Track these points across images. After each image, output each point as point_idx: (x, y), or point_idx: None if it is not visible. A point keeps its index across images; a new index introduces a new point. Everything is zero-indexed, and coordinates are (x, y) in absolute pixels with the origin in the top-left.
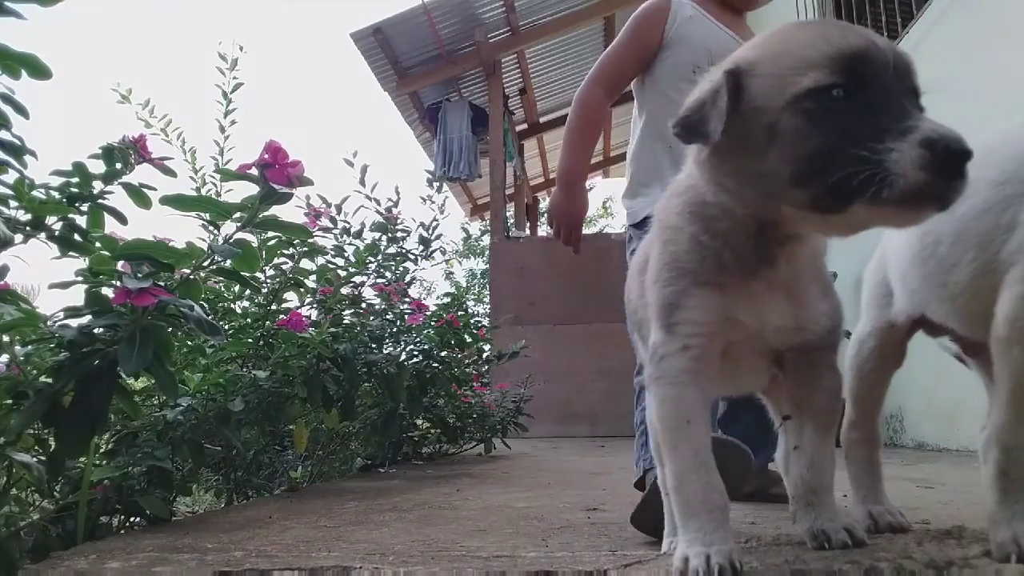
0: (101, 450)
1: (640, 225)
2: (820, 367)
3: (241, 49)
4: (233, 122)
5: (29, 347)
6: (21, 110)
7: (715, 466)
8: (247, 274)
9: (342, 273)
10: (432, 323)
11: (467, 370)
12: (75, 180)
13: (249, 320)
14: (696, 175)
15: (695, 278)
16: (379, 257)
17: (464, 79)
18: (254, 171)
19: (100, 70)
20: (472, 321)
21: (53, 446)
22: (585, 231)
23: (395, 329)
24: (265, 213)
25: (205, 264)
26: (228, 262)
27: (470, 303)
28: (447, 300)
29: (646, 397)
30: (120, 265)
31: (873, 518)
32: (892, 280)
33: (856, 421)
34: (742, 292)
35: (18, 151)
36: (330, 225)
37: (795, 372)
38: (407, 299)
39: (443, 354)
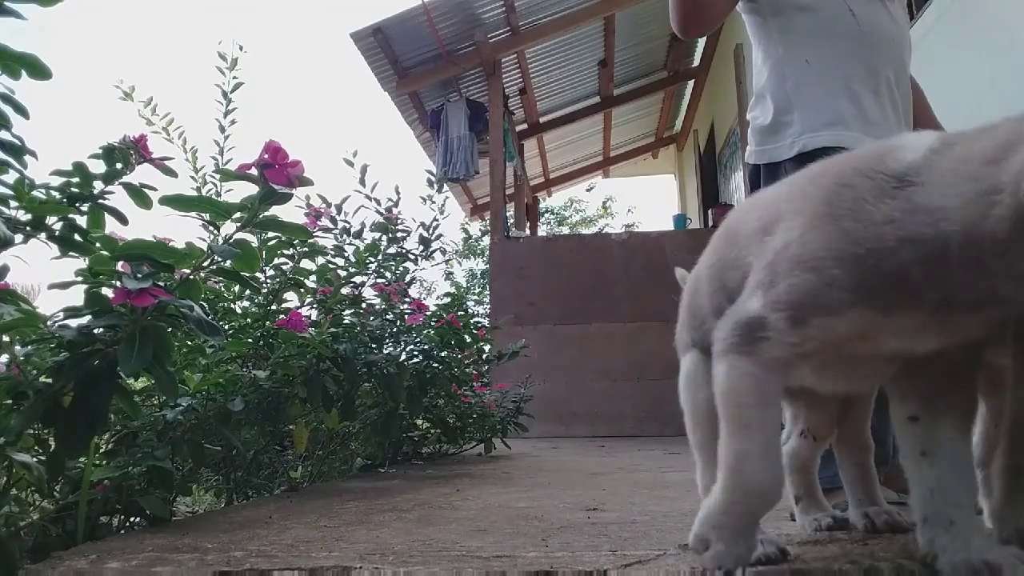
0: (101, 450)
1: (775, 169)
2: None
3: (241, 49)
4: (233, 122)
5: (29, 347)
6: (21, 110)
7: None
8: (247, 274)
9: (342, 273)
10: (432, 323)
11: (467, 370)
12: (75, 180)
13: (249, 320)
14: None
15: (869, 298)
16: (379, 257)
17: (464, 79)
18: (254, 171)
19: (100, 70)
20: (472, 321)
21: (53, 446)
22: (585, 231)
23: (395, 329)
24: (265, 213)
25: (205, 264)
26: (228, 262)
27: (470, 303)
28: (447, 300)
29: (715, 364)
30: (120, 265)
31: (870, 518)
32: None
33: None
34: (908, 319)
35: (18, 151)
36: (330, 225)
37: (926, 364)
38: (407, 299)
39: (443, 354)
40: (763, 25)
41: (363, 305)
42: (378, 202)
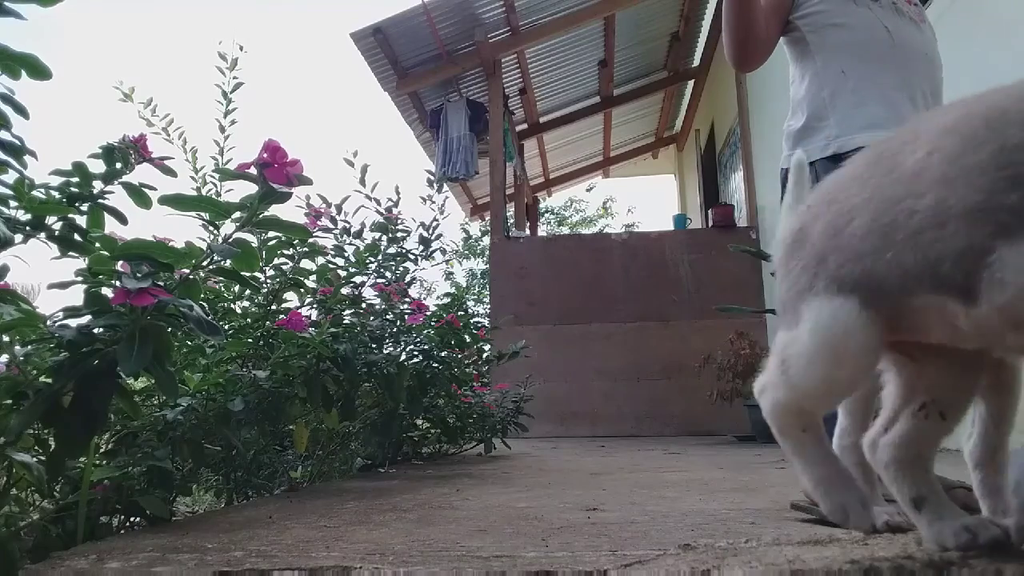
0: (101, 450)
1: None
2: None
3: (241, 49)
4: (233, 122)
5: (29, 347)
6: (21, 110)
7: None
8: (247, 274)
9: (342, 273)
10: (432, 323)
11: (467, 370)
12: (75, 180)
13: (249, 320)
14: None
15: None
16: (379, 257)
17: (464, 79)
18: (253, 170)
19: (100, 70)
20: (472, 321)
21: (53, 446)
22: (585, 231)
23: (395, 329)
24: (265, 213)
25: (205, 264)
26: (228, 262)
27: (470, 303)
28: (447, 300)
29: None
30: (120, 265)
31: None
32: None
33: (847, 428)
34: None
35: (18, 151)
36: (330, 225)
37: None
38: (407, 299)
39: (443, 354)
40: (800, 42)
41: (363, 305)
42: (378, 202)
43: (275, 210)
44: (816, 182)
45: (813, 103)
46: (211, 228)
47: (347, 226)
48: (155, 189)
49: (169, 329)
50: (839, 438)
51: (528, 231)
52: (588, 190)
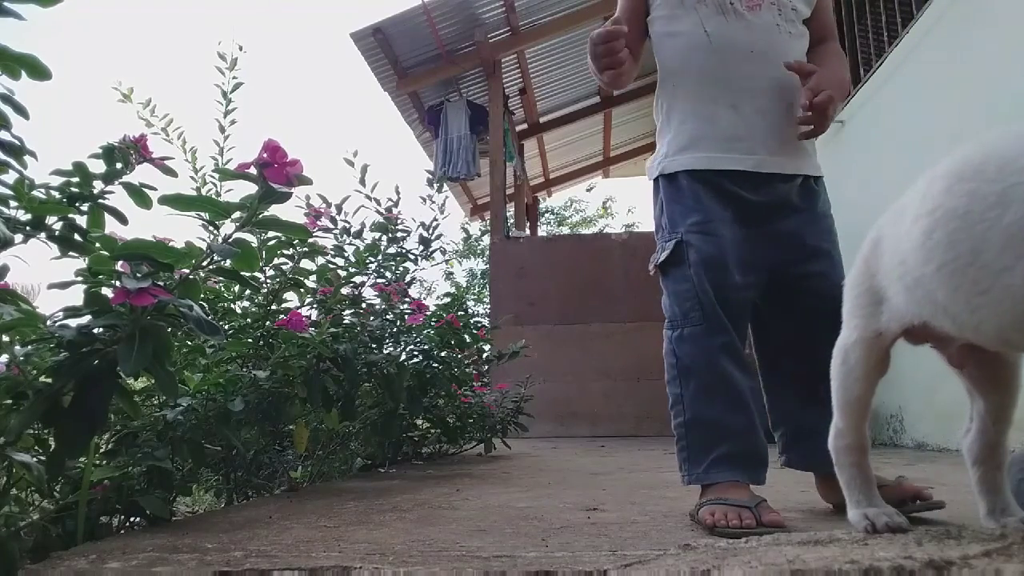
0: (101, 450)
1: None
2: None
3: (241, 49)
4: (233, 122)
5: (29, 347)
6: (21, 110)
7: None
8: (247, 274)
9: (342, 273)
10: (432, 323)
11: (467, 370)
12: (75, 180)
13: (249, 320)
14: None
15: None
16: (379, 257)
17: (464, 79)
18: (252, 170)
19: (100, 70)
20: (472, 321)
21: (53, 446)
22: (585, 231)
23: (395, 329)
24: (265, 213)
25: (204, 264)
26: (228, 262)
27: (470, 303)
28: (447, 300)
29: None
30: (120, 265)
31: (869, 519)
32: (887, 291)
33: (843, 429)
34: None
35: (18, 151)
36: (330, 225)
37: None
38: (407, 299)
39: (443, 354)
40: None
41: (363, 305)
42: (378, 202)
43: (275, 210)
44: (656, 198)
45: (657, 118)
46: (211, 228)
47: (347, 226)
48: (155, 189)
49: (169, 329)
50: (834, 439)
51: (528, 231)
52: (588, 190)
